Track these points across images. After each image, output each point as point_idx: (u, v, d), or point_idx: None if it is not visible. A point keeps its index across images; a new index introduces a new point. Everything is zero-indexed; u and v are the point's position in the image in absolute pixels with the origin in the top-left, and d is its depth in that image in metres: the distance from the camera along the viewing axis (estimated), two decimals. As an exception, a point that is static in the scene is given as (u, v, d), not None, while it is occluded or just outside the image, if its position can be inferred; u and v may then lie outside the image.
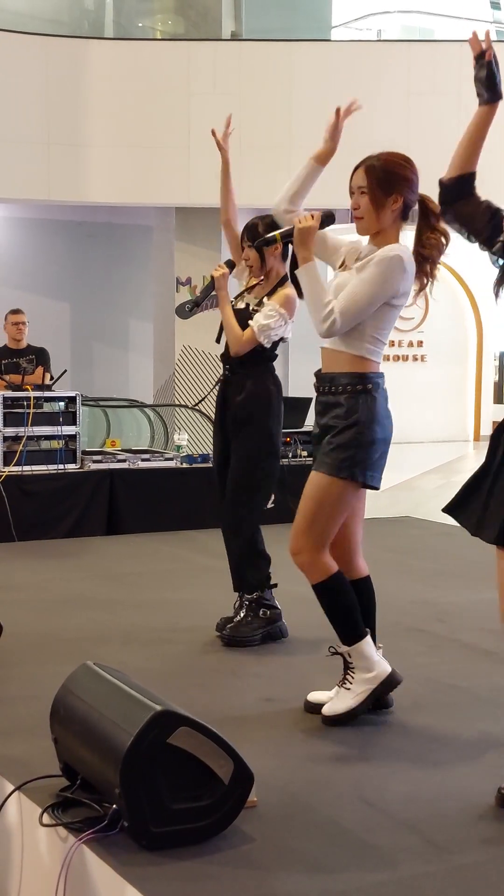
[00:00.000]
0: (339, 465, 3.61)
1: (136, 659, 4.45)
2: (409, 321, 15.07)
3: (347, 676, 3.72)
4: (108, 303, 15.03)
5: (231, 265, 4.74)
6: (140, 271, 14.59)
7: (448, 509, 3.19)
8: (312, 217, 3.60)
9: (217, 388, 4.86)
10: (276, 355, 4.78)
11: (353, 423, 3.60)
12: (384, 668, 3.75)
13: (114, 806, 2.72)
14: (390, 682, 3.75)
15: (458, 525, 3.17)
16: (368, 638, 3.74)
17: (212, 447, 4.99)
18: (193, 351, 12.43)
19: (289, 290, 4.56)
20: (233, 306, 4.71)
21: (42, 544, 7.09)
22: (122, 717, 2.77)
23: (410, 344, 15.65)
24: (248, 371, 4.71)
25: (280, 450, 4.83)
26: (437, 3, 14.44)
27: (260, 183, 11.69)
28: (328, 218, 3.64)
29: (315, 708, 3.76)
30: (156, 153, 11.45)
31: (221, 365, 4.85)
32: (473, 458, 15.55)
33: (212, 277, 4.67)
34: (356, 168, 3.62)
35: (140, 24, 13.13)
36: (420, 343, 15.80)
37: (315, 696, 3.82)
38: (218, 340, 4.83)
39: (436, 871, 2.68)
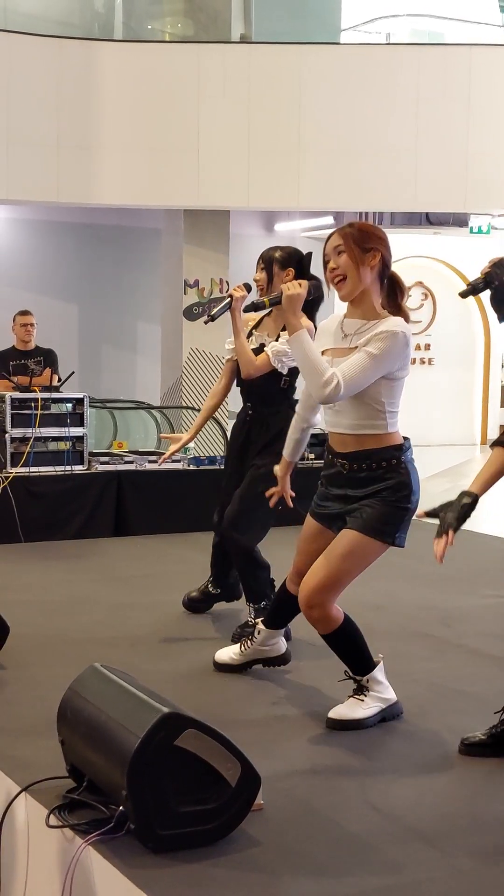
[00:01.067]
0: (384, 530, 3.58)
1: (143, 661, 4.46)
2: (417, 324, 15.04)
3: (363, 692, 3.77)
4: (116, 305, 15.05)
5: (249, 288, 4.74)
6: (148, 274, 14.61)
7: None
8: (301, 285, 3.58)
9: (239, 424, 4.89)
10: (295, 388, 4.76)
11: (400, 489, 3.58)
12: (392, 694, 3.82)
13: (120, 808, 2.73)
14: (394, 710, 3.81)
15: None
16: (381, 664, 3.79)
17: (224, 466, 5.02)
18: (201, 353, 12.43)
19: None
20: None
21: (49, 546, 7.10)
22: (129, 719, 2.78)
23: (418, 347, 15.64)
24: (270, 409, 4.76)
25: None
26: (447, 7, 14.43)
27: (268, 186, 11.75)
28: (316, 288, 3.59)
29: (222, 667, 4.18)
30: (165, 155, 11.46)
31: (243, 402, 4.89)
32: (480, 462, 15.54)
33: (230, 296, 4.67)
34: (327, 238, 3.60)
35: (149, 27, 13.13)
36: (427, 346, 15.79)
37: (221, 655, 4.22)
38: (240, 380, 4.85)
39: (440, 876, 2.68)
